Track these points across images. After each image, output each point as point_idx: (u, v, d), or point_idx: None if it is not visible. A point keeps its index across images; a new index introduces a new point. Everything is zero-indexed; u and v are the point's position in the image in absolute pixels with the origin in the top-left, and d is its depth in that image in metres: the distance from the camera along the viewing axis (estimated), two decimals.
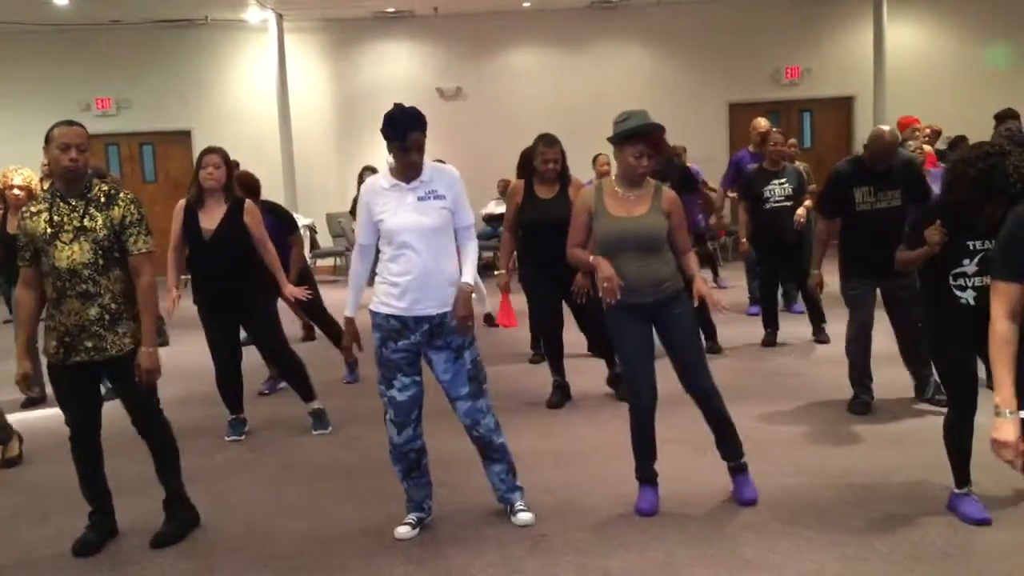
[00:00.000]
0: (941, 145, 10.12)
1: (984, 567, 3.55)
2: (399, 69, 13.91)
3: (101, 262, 3.89)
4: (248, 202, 5.57)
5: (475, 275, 4.12)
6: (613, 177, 4.26)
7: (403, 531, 4.13)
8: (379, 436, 4.56)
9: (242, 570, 3.88)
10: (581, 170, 7.49)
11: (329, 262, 13.44)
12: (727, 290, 10.09)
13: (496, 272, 5.98)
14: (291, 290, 5.75)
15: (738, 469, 4.33)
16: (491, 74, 14.05)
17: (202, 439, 5.58)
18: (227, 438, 5.68)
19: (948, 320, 3.92)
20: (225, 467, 5.22)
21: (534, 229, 5.89)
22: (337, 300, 9.81)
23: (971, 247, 3.89)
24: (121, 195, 3.99)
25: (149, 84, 13.83)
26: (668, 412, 4.52)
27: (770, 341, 7.57)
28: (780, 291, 8.07)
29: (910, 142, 8.45)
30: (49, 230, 3.88)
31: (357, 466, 5.11)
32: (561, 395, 6.15)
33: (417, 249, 3.89)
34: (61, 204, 3.92)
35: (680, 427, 4.97)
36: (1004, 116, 8.80)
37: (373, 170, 8.89)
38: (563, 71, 13.94)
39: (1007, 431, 2.64)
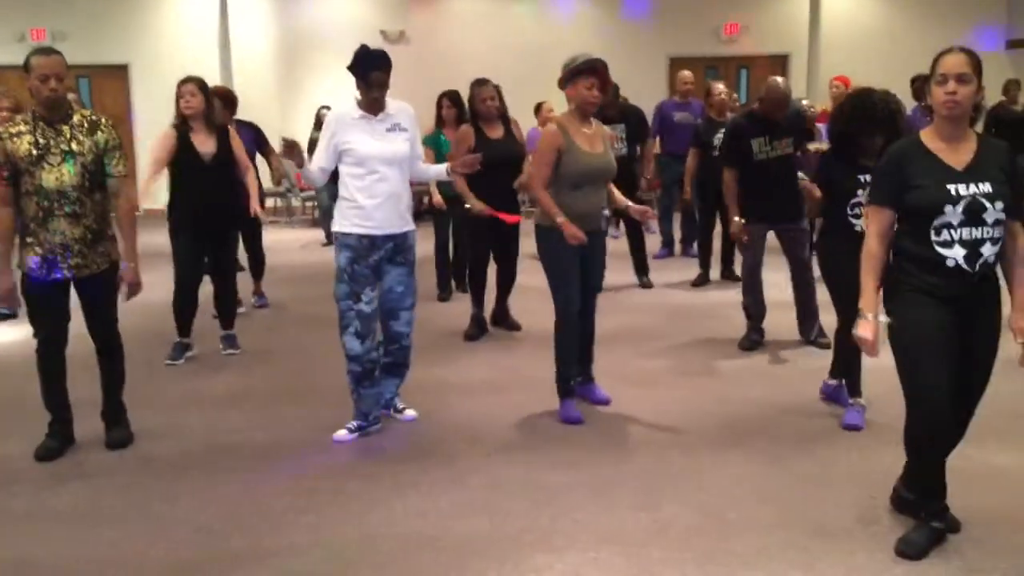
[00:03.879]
0: None
1: (884, 481, 3.93)
2: (343, 9, 13.83)
3: (87, 184, 4.14)
4: (231, 129, 6.04)
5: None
6: (564, 118, 4.66)
7: (341, 434, 4.53)
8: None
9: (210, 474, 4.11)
10: (524, 118, 7.71)
11: (270, 203, 13.42)
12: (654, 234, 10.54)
13: (467, 205, 6.25)
14: (256, 207, 6.19)
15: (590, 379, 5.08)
16: (436, 19, 14.06)
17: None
18: (166, 361, 5.89)
19: (844, 246, 4.34)
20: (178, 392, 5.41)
21: (487, 168, 6.08)
22: (278, 240, 9.95)
23: (863, 180, 4.45)
24: (103, 120, 4.24)
25: (86, 16, 13.54)
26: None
27: (701, 281, 8.13)
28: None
29: None
30: (35, 152, 4.06)
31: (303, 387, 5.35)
32: (479, 328, 6.52)
33: (386, 175, 4.40)
34: (45, 128, 4.10)
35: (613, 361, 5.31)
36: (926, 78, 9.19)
37: (329, 109, 9.09)
38: (507, 20, 14.02)
39: (867, 330, 3.21)
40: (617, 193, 4.95)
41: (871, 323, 3.22)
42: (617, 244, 9.77)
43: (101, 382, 4.53)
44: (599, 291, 4.99)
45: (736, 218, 5.90)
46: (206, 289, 6.06)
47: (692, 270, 8.37)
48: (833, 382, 4.96)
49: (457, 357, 6.04)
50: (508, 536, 3.54)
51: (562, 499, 3.85)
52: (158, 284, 6.53)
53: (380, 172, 4.39)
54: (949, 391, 3.20)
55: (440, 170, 4.88)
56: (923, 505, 3.41)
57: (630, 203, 4.95)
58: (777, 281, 6.38)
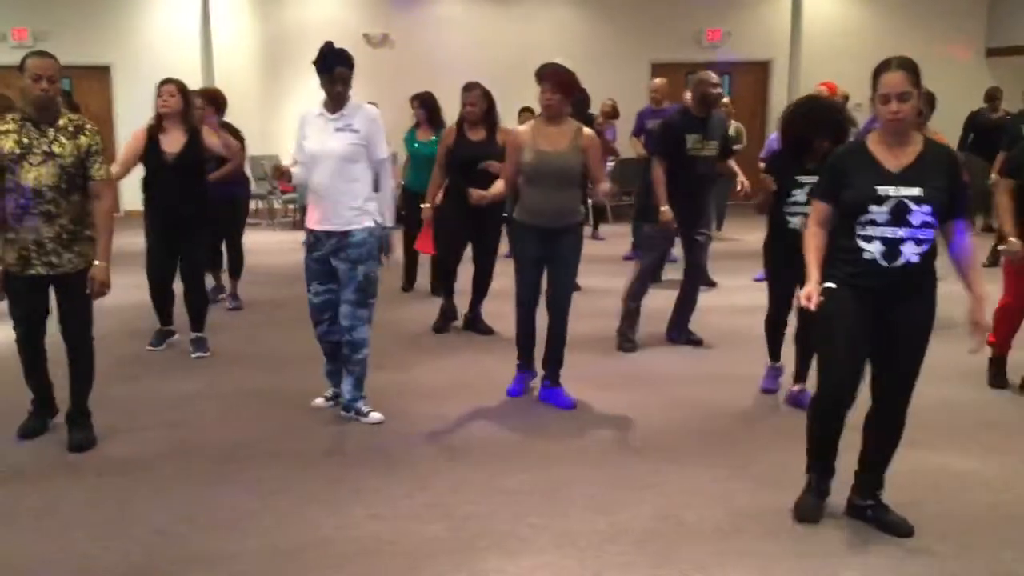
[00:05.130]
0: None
1: (840, 488, 3.94)
2: (325, 12, 13.82)
3: (64, 185, 4.24)
4: (205, 128, 6.17)
5: (392, 217, 4.83)
6: (534, 121, 4.98)
7: (319, 401, 5.01)
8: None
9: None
10: (507, 121, 7.73)
11: (252, 205, 13.39)
12: (603, 242, 10.80)
13: (422, 205, 6.54)
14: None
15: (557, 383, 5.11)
16: (418, 22, 14.06)
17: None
18: (147, 347, 6.20)
19: (778, 244, 4.93)
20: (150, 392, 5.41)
21: (463, 168, 6.29)
22: (257, 241, 9.94)
23: (800, 181, 4.80)
24: (88, 126, 4.34)
25: (68, 16, 13.49)
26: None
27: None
28: None
29: None
30: (17, 150, 4.19)
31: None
32: (446, 319, 6.76)
33: (327, 172, 4.58)
34: (31, 128, 4.22)
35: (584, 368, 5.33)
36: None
37: None
38: (491, 25, 14.03)
39: (811, 290, 3.44)
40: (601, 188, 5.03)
41: (814, 285, 3.45)
42: (594, 247, 9.83)
43: (69, 383, 4.53)
44: (567, 291, 5.02)
45: (664, 207, 6.00)
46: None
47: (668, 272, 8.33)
48: (796, 388, 4.99)
49: (425, 360, 6.04)
50: (464, 540, 3.55)
51: (520, 503, 3.86)
52: (131, 286, 6.55)
53: (322, 169, 4.57)
54: (855, 377, 3.45)
55: (391, 194, 4.83)
56: (812, 466, 3.69)
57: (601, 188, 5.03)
58: (740, 286, 6.40)
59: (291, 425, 4.78)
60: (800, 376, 5.00)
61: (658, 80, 9.84)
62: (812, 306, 3.39)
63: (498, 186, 5.08)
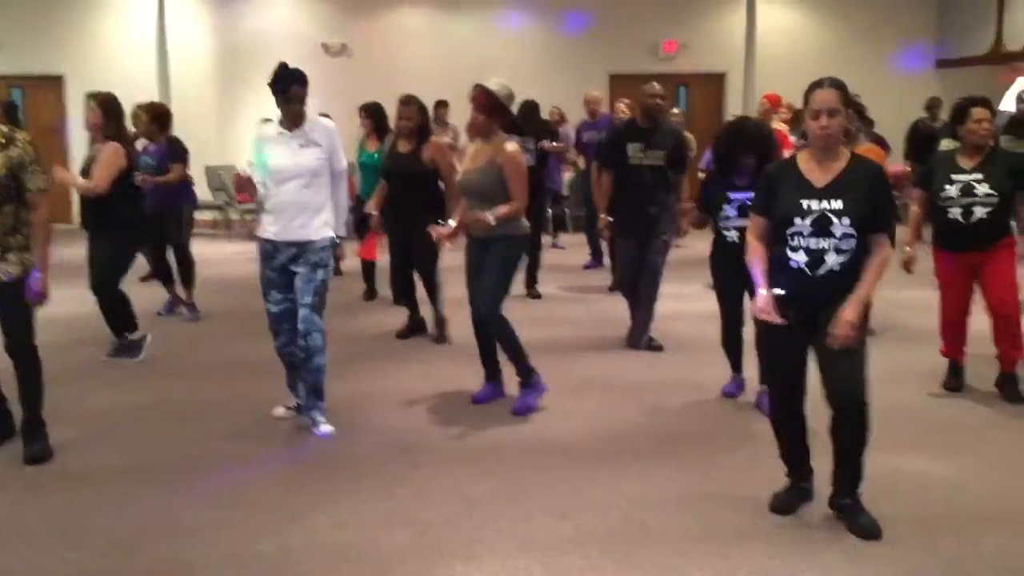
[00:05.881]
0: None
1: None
2: (283, 21, 13.76)
3: None
4: (111, 144, 6.04)
5: (343, 227, 5.01)
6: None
7: (280, 411, 5.01)
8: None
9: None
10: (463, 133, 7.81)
11: (209, 216, 13.27)
12: (563, 250, 10.92)
13: (365, 211, 6.73)
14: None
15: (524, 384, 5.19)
16: (377, 32, 14.04)
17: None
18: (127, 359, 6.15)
19: (720, 258, 5.16)
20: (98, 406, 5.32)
21: (389, 178, 6.61)
22: (214, 252, 9.83)
23: (729, 196, 5.04)
24: (19, 137, 4.31)
25: (20, 25, 13.30)
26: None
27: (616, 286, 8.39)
28: None
29: (774, 122, 9.08)
30: None
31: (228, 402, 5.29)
32: (412, 328, 6.87)
33: (292, 186, 4.69)
34: None
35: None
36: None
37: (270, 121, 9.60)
38: (449, 34, 14.05)
39: (763, 301, 3.63)
40: (505, 208, 4.96)
41: (765, 295, 3.62)
42: (554, 256, 9.88)
43: (19, 395, 4.47)
44: (489, 296, 5.00)
45: (602, 215, 6.34)
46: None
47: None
48: (761, 388, 5.02)
49: (389, 368, 6.02)
50: (429, 546, 3.53)
51: (484, 508, 3.85)
52: (68, 298, 6.43)
53: (287, 184, 4.67)
54: (794, 379, 3.68)
55: (339, 208, 4.90)
56: (784, 464, 3.86)
57: (498, 211, 4.94)
58: (696, 292, 6.42)
59: (251, 435, 4.73)
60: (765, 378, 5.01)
61: (594, 92, 10.13)
62: (766, 317, 3.59)
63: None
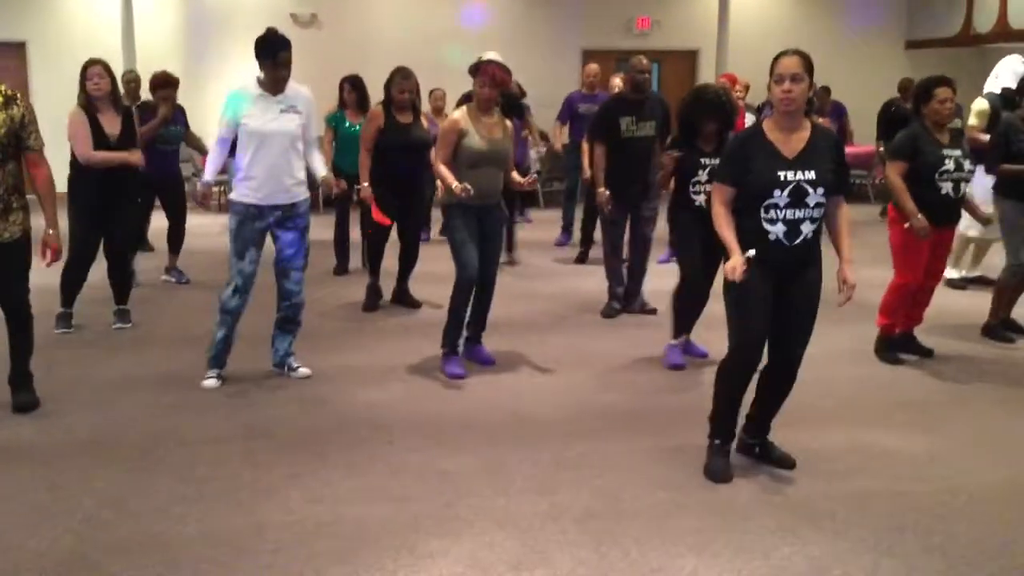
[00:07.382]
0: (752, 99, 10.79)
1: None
2: None
3: None
4: (132, 109, 6.41)
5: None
6: (467, 109, 5.23)
7: (210, 383, 4.98)
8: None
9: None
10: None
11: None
12: (531, 224, 10.85)
13: (357, 186, 6.63)
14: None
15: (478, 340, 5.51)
16: (347, 3, 13.83)
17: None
18: (56, 331, 6.00)
19: (687, 218, 5.31)
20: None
21: (393, 150, 6.52)
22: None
23: (703, 162, 5.24)
24: (18, 96, 4.37)
25: None
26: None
27: (582, 258, 8.71)
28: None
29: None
30: None
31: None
32: (375, 298, 6.86)
33: (274, 151, 4.79)
34: None
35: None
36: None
37: None
38: (420, 7, 13.88)
39: (735, 261, 3.64)
40: (514, 175, 5.36)
41: (738, 256, 3.65)
42: (526, 231, 9.86)
43: (9, 351, 4.61)
44: (496, 264, 5.37)
45: (600, 188, 6.40)
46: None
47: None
48: (675, 342, 5.43)
49: (361, 342, 5.98)
50: (405, 522, 3.51)
51: (460, 484, 3.83)
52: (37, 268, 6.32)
53: (269, 148, 4.77)
54: (765, 337, 3.75)
55: (320, 167, 5.16)
56: (718, 432, 3.95)
57: (517, 178, 5.37)
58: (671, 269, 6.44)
59: (221, 409, 4.68)
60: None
61: (593, 66, 9.81)
62: (738, 278, 3.62)
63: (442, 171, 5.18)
